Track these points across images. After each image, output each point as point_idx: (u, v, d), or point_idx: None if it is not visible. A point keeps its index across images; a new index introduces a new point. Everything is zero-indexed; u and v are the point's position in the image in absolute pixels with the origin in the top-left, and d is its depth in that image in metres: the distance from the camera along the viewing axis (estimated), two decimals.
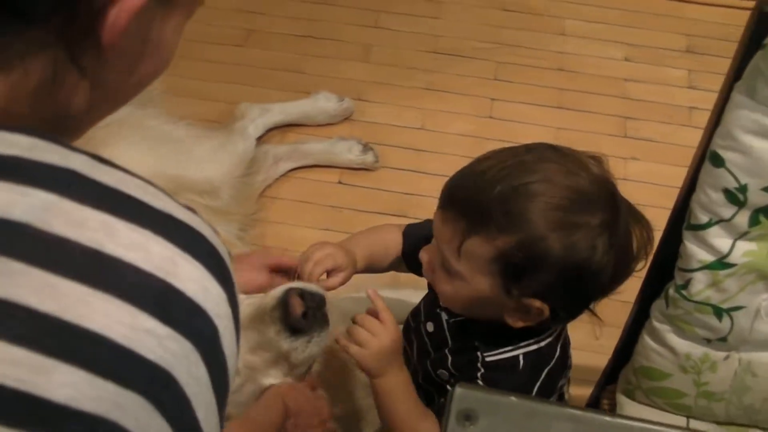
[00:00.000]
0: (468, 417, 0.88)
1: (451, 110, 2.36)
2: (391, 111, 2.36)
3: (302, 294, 1.14)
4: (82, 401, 0.46)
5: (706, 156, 1.10)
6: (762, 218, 1.10)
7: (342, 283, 1.29)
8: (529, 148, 1.14)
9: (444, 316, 1.26)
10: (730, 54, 2.76)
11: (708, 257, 1.15)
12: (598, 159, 1.17)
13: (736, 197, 1.09)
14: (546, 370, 1.21)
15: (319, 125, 2.33)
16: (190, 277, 0.51)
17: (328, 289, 1.24)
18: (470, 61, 2.48)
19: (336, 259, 1.28)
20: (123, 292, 0.48)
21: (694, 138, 2.30)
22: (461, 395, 0.88)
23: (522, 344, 1.20)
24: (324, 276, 1.27)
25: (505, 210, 1.07)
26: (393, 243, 1.38)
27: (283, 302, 1.12)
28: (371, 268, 1.37)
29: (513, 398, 0.90)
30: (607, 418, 0.90)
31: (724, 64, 2.66)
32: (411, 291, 1.94)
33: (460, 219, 1.12)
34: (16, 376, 0.45)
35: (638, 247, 1.14)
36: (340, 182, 2.22)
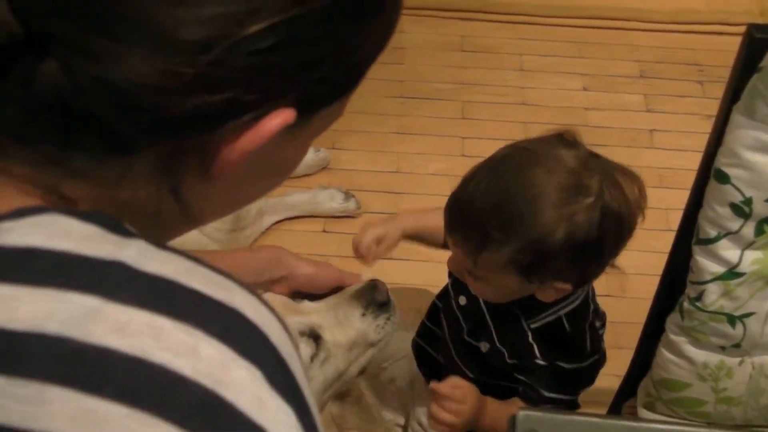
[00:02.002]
0: None
1: (424, 152, 2.43)
2: (366, 157, 2.41)
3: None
4: None
5: (711, 174, 1.17)
6: (766, 227, 1.18)
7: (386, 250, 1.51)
8: (504, 157, 1.25)
9: None
10: (679, 76, 2.88)
11: (719, 269, 1.23)
12: (568, 137, 1.26)
13: (742, 210, 1.17)
14: (587, 325, 1.33)
15: (297, 176, 2.37)
16: (242, 386, 0.44)
17: (376, 256, 1.49)
18: (437, 102, 2.55)
19: (380, 231, 1.48)
20: (165, 410, 0.43)
21: (657, 159, 2.43)
22: (524, 418, 0.93)
23: (559, 306, 1.31)
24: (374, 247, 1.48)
25: (501, 223, 1.18)
26: None
27: (372, 286, 1.33)
28: (425, 238, 1.53)
29: (572, 417, 0.95)
30: (662, 426, 0.96)
31: (676, 86, 2.78)
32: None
33: (468, 240, 1.23)
34: None
35: (634, 202, 1.21)
36: (324, 231, 2.26)
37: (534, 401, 1.32)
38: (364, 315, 1.31)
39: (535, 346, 1.33)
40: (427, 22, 2.76)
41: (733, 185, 1.15)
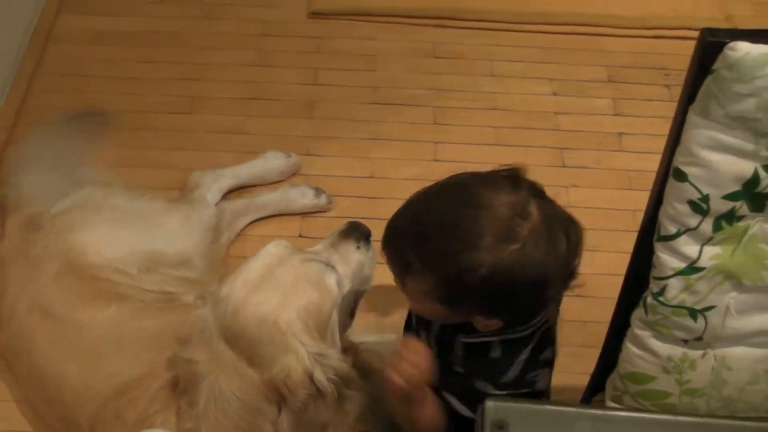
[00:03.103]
0: (501, 427, 0.96)
1: (397, 157, 2.46)
2: (339, 163, 2.44)
3: None
4: None
5: (670, 173, 1.22)
6: (724, 224, 1.23)
7: None
8: (443, 190, 1.30)
9: None
10: (647, 80, 2.92)
11: (680, 264, 1.27)
12: (514, 176, 1.27)
13: (700, 207, 1.21)
14: (523, 357, 1.32)
15: (269, 183, 2.39)
16: None
17: None
18: (410, 108, 2.59)
19: None
20: None
21: (626, 162, 2.49)
22: (493, 408, 0.97)
23: (500, 332, 1.30)
24: None
25: (422, 255, 1.22)
26: None
27: (353, 224, 1.49)
28: None
29: (539, 406, 0.98)
30: (625, 414, 1.00)
31: (643, 90, 2.83)
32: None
33: (393, 263, 1.29)
34: None
35: (572, 245, 1.24)
36: (300, 236, 2.28)
37: (447, 409, 1.34)
38: (358, 248, 1.47)
39: (458, 355, 1.34)
40: (399, 29, 2.79)
41: (691, 183, 1.19)
